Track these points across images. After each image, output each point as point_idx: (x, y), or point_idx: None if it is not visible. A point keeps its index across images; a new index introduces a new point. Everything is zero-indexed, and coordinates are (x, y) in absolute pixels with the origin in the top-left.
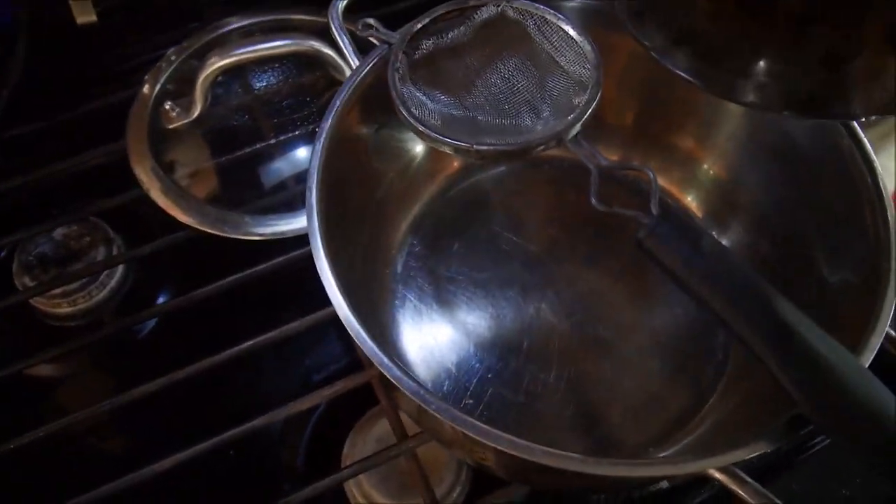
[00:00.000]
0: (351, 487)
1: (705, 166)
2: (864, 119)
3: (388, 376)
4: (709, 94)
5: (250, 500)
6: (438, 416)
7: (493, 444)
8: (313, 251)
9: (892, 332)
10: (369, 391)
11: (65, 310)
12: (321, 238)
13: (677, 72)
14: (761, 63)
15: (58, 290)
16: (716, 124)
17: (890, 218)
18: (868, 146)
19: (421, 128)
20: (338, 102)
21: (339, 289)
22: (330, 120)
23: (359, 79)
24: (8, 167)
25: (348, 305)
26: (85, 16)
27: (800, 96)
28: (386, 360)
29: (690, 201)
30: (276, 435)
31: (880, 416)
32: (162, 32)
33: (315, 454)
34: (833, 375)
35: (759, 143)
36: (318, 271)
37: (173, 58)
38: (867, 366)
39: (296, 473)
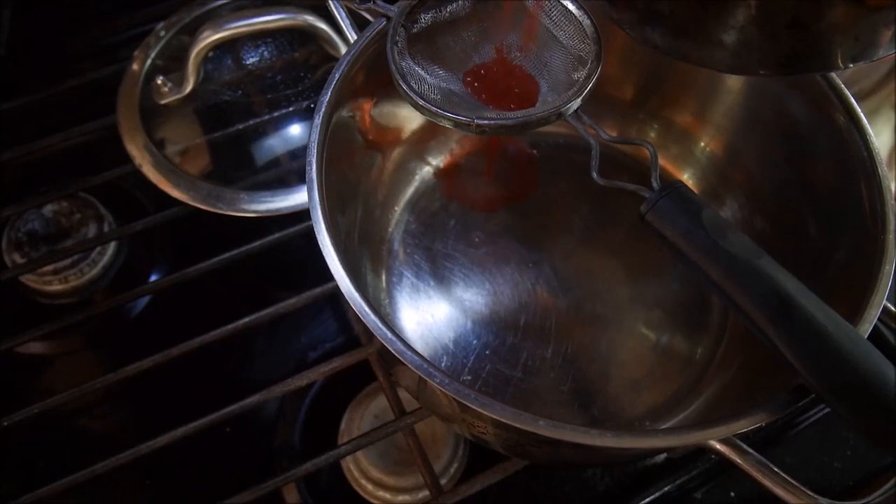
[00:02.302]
0: (348, 463)
1: (702, 143)
2: (843, 68)
3: (392, 350)
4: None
5: (248, 477)
6: (443, 389)
7: (497, 417)
8: (315, 225)
9: (890, 306)
10: (366, 368)
11: (56, 287)
12: (322, 213)
13: (653, 48)
14: (731, 33)
15: (48, 268)
16: (713, 100)
17: (885, 191)
18: (864, 120)
19: (421, 102)
20: (337, 76)
21: (342, 263)
22: (329, 94)
23: (357, 53)
24: None
25: (351, 280)
26: None
27: (773, 57)
28: (389, 334)
29: (687, 178)
30: (272, 412)
31: (880, 386)
32: (149, 7)
33: (312, 431)
34: (833, 345)
35: (756, 119)
36: (320, 246)
37: (163, 33)
38: (865, 337)
39: (293, 450)
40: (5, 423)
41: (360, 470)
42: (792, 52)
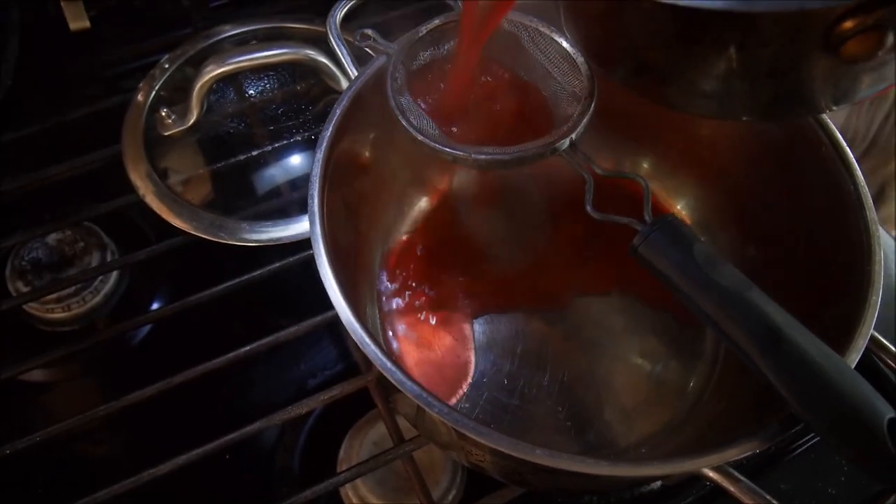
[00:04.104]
0: (347, 491)
1: (694, 176)
2: (825, 111)
3: (392, 380)
4: None
5: None
6: (441, 419)
7: (495, 447)
8: (316, 258)
9: (877, 335)
10: (365, 395)
11: (58, 315)
12: (324, 245)
13: (639, 95)
14: (713, 83)
15: (52, 296)
16: (704, 134)
17: (871, 222)
18: (850, 154)
19: (420, 137)
20: (338, 111)
21: (342, 294)
22: (330, 129)
23: (358, 88)
24: (1, 172)
25: (351, 310)
26: (78, 21)
27: (756, 104)
28: (389, 363)
29: (680, 209)
30: (272, 439)
31: (867, 415)
32: (153, 39)
33: (311, 458)
34: (822, 376)
35: (747, 153)
36: (322, 277)
37: (167, 65)
38: (853, 367)
39: (292, 477)
40: (7, 451)
41: (359, 497)
42: (774, 98)
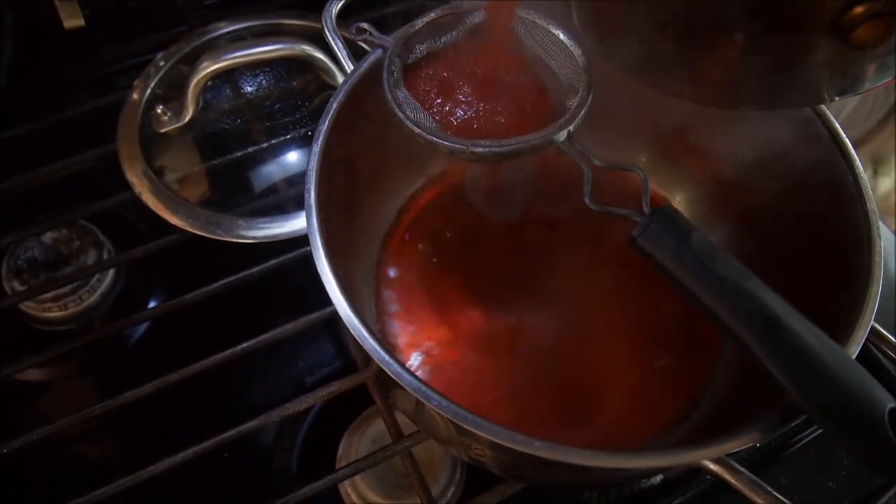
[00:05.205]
0: (346, 488)
1: (693, 169)
2: (831, 101)
3: (390, 373)
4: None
5: (246, 503)
6: (440, 412)
7: (493, 439)
8: (313, 251)
9: (878, 326)
10: (363, 392)
11: (55, 314)
12: (321, 239)
13: (644, 84)
14: (720, 71)
15: (48, 295)
16: (703, 126)
17: (871, 213)
18: (849, 145)
19: (416, 130)
20: (334, 105)
21: (339, 288)
22: (327, 123)
23: (354, 82)
24: None
25: (349, 305)
26: (72, 19)
27: (762, 93)
28: (387, 356)
29: (678, 202)
30: (270, 437)
31: (867, 404)
32: (148, 37)
33: (309, 456)
34: (821, 365)
35: (745, 144)
36: (319, 272)
37: (162, 62)
38: (853, 358)
39: (290, 475)
40: (4, 450)
41: (358, 494)
42: (780, 88)
